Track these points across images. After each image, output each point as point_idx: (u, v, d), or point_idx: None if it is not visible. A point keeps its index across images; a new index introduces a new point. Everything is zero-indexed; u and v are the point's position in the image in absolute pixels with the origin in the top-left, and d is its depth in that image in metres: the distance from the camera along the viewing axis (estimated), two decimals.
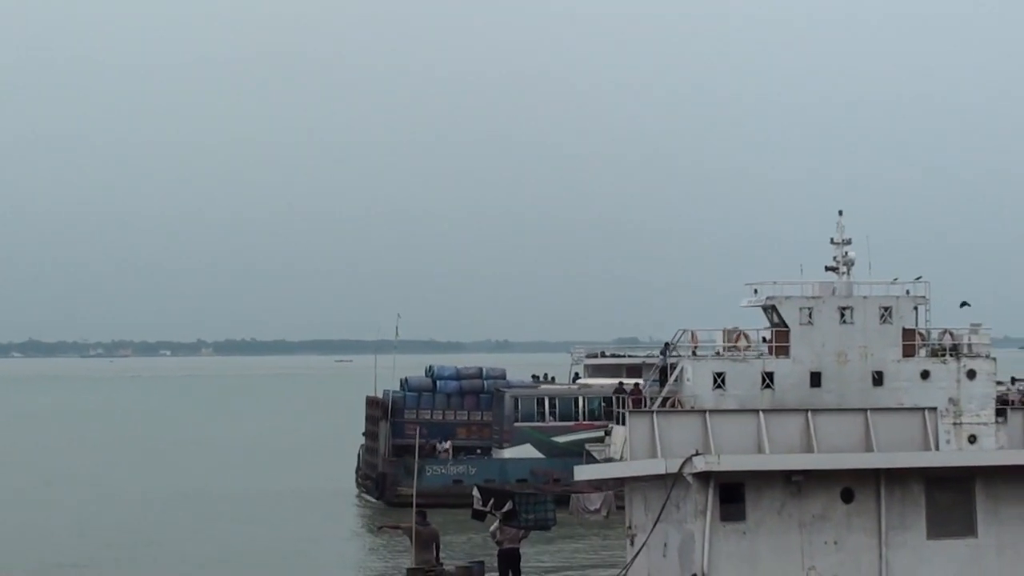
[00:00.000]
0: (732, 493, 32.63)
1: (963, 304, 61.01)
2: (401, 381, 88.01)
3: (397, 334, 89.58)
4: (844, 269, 60.17)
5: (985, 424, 56.99)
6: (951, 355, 58.76)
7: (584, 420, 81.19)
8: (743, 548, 32.67)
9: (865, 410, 34.76)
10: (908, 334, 58.97)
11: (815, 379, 59.29)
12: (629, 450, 34.07)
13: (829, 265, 60.30)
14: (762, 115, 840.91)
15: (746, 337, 59.69)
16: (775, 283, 60.84)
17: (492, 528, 38.52)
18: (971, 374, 57.95)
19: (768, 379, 59.33)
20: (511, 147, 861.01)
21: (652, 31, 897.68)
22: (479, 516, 38.70)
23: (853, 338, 58.72)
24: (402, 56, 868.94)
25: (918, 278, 59.95)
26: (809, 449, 33.74)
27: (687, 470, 32.07)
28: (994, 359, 58.55)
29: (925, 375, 58.13)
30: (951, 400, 57.82)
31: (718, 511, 32.45)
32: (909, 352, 58.63)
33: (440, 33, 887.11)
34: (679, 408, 56.24)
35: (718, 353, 60.68)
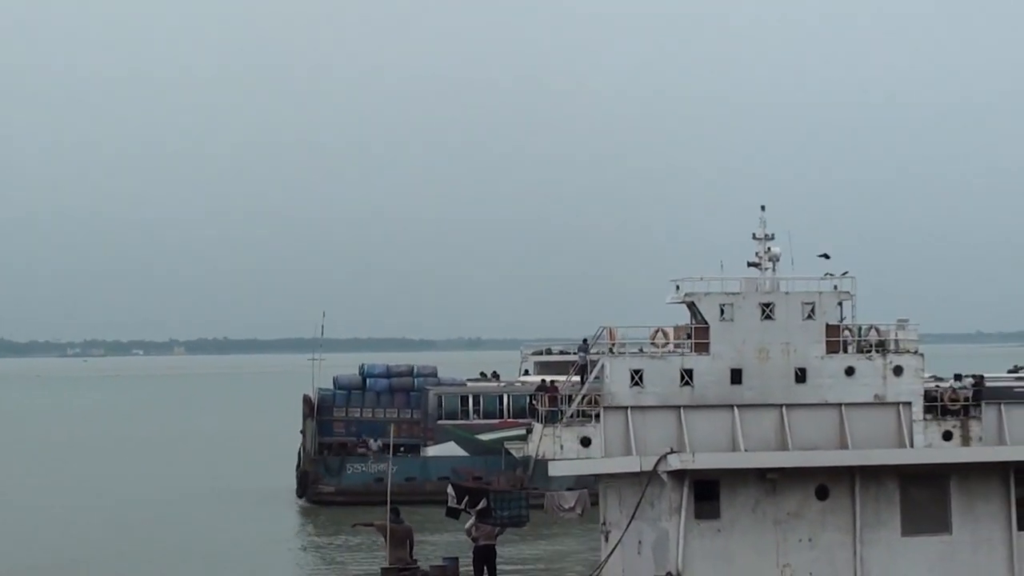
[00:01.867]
0: (707, 491, 31.62)
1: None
2: (334, 379, 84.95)
3: (322, 332, 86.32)
4: (768, 265, 56.69)
5: (913, 421, 53.58)
6: (877, 351, 55.42)
7: (511, 418, 77.95)
8: (718, 546, 31.68)
9: (840, 405, 33.12)
10: (832, 330, 55.61)
11: (736, 376, 55.96)
12: (603, 446, 32.61)
13: (752, 261, 56.88)
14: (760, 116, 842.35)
15: (665, 335, 56.11)
16: (701, 279, 57.29)
17: (467, 525, 37.30)
18: (898, 370, 54.72)
19: (687, 376, 55.81)
20: (479, 151, 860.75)
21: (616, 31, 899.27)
22: (453, 514, 37.63)
23: (775, 334, 55.48)
24: (388, 58, 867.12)
25: (844, 273, 56.54)
26: (784, 445, 32.92)
27: (662, 468, 31.12)
28: (922, 355, 55.47)
29: (850, 372, 54.83)
30: (876, 397, 54.41)
31: (692, 509, 31.54)
32: (833, 348, 55.32)
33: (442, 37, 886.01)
34: (597, 406, 53.00)
35: (641, 350, 57.28)
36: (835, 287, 55.64)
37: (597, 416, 54.16)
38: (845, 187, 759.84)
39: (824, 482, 31.60)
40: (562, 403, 55.71)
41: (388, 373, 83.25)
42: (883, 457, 32.02)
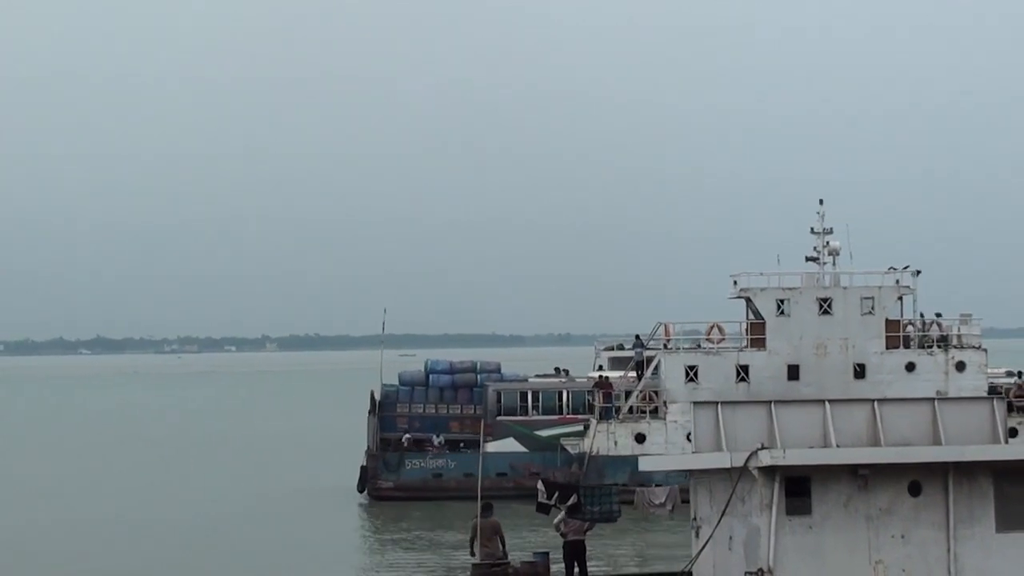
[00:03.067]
0: (798, 487, 30.89)
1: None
2: (399, 375, 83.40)
3: (384, 329, 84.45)
4: (827, 259, 54.15)
5: None
6: (939, 347, 52.72)
7: (570, 414, 75.88)
8: (809, 542, 31.03)
9: (933, 399, 31.52)
10: (892, 325, 53.00)
11: (793, 372, 53.60)
12: (694, 442, 32.40)
13: (809, 255, 54.35)
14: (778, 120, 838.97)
15: (720, 330, 53.85)
16: (760, 274, 54.84)
17: (556, 520, 36.67)
18: (960, 366, 52.22)
19: (743, 372, 53.45)
20: (562, 154, 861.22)
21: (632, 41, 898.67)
22: (544, 509, 37.21)
23: (833, 330, 53.03)
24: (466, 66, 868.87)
25: (906, 267, 53.83)
26: (875, 441, 31.42)
27: (753, 464, 30.39)
28: (985, 350, 52.87)
29: (911, 367, 52.35)
30: (938, 393, 51.67)
31: (784, 505, 30.82)
32: (893, 344, 52.69)
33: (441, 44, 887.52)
34: (654, 401, 51.85)
35: (699, 345, 55.08)
36: (896, 281, 53.18)
37: (654, 412, 52.33)
38: (910, 181, 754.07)
39: (917, 478, 30.92)
40: (617, 399, 53.94)
41: (451, 369, 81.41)
42: (978, 453, 31.02)
